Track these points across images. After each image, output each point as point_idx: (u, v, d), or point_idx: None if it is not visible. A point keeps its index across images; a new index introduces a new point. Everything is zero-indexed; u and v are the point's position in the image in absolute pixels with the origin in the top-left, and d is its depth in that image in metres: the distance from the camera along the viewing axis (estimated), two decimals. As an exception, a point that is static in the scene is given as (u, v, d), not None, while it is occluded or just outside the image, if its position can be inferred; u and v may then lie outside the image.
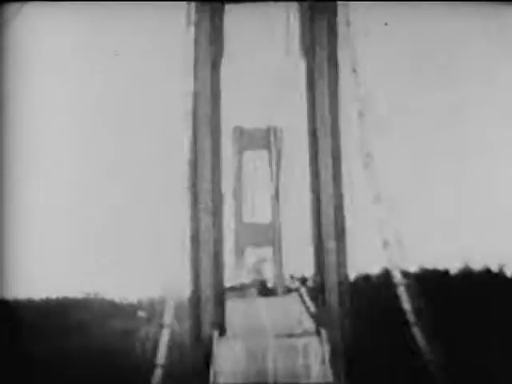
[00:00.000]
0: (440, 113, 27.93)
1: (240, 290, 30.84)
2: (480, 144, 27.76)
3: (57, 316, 27.62)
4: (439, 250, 27.34)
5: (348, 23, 27.73)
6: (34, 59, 27.58)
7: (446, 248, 27.20)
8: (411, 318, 26.17)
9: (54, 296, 28.50)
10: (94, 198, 27.88)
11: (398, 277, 26.61)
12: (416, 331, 25.99)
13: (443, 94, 27.66)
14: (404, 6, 27.00)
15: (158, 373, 25.57)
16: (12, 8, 27.17)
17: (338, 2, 28.09)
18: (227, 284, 29.58)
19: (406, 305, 26.36)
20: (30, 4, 27.18)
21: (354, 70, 27.53)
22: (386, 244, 26.65)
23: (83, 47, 28.02)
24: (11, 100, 27.31)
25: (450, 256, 27.89)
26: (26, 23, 27.29)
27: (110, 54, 28.09)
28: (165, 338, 25.91)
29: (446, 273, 28.77)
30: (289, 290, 31.59)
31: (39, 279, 26.88)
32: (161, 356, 25.79)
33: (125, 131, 28.22)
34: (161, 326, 26.00)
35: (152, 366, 25.61)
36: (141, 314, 28.05)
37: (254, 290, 30.93)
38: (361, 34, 27.74)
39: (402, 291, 26.51)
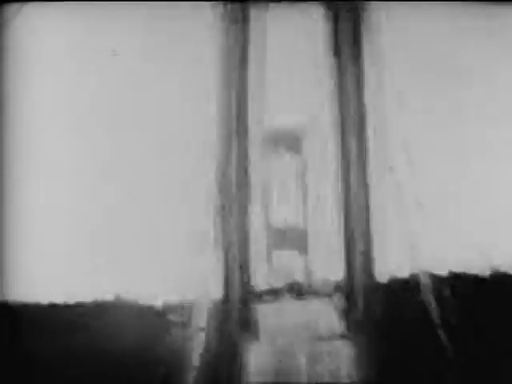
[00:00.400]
0: (440, 113, 27.87)
1: (270, 294, 30.59)
2: (480, 144, 27.72)
3: (61, 317, 27.63)
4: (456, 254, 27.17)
5: (373, 27, 27.74)
6: (34, 59, 27.63)
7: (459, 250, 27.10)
8: (439, 321, 26.11)
9: (55, 296, 28.51)
10: (94, 198, 27.91)
11: (426, 280, 26.61)
12: (443, 335, 25.93)
13: (443, 94, 27.61)
14: (404, 6, 27.01)
15: (192, 376, 25.61)
16: (12, 8, 27.24)
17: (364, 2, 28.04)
18: (258, 288, 29.51)
19: (434, 309, 26.39)
20: (30, 4, 27.25)
21: (380, 85, 27.64)
22: (413, 247, 26.63)
23: (83, 47, 28.05)
24: (11, 100, 27.39)
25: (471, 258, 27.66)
26: (26, 23, 27.36)
27: (108, 53, 28.13)
28: (197, 341, 26.01)
29: (475, 277, 28.42)
30: (319, 294, 31.26)
31: (40, 280, 26.94)
32: (194, 360, 25.90)
33: (120, 131, 28.23)
34: (193, 330, 26.01)
35: (185, 369, 25.68)
36: (170, 316, 27.90)
37: (284, 294, 30.69)
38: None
39: (430, 295, 26.51)
